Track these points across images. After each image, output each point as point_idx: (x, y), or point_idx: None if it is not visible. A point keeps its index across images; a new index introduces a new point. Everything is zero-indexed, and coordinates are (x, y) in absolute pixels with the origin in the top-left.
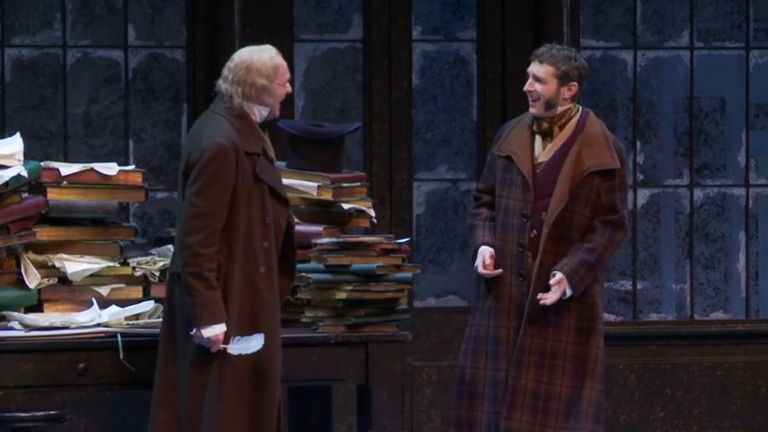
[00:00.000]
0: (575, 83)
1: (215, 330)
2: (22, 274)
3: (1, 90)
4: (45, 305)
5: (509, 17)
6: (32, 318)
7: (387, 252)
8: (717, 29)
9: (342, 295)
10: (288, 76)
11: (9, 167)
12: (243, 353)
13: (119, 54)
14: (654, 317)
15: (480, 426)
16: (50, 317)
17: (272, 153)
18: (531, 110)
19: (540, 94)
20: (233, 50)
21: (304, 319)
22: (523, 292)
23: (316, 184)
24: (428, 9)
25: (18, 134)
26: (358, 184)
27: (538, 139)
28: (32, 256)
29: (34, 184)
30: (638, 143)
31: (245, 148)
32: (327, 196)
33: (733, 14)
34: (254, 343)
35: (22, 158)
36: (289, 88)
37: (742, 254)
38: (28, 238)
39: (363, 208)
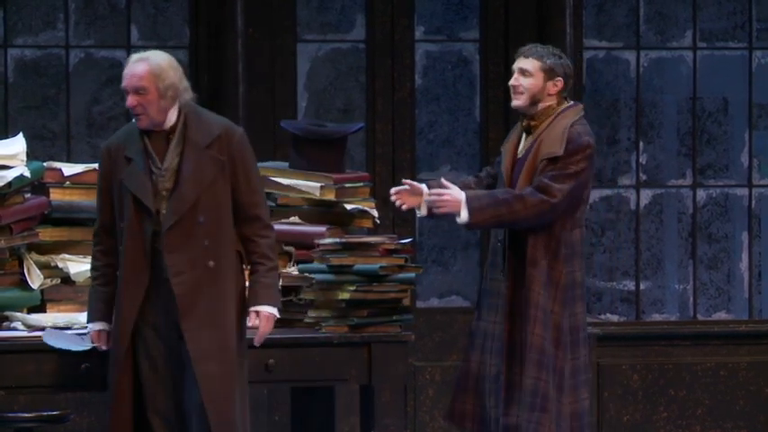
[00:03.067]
0: (560, 78)
1: (89, 327)
2: (24, 275)
3: (4, 90)
4: (48, 305)
5: (512, 17)
6: (35, 318)
7: (390, 252)
8: (720, 29)
9: (345, 296)
10: (124, 83)
11: (12, 168)
12: (56, 346)
13: (121, 54)
14: (657, 317)
15: (474, 418)
16: (53, 317)
17: (166, 162)
18: (514, 102)
19: (526, 87)
20: (236, 51)
21: (307, 320)
22: (501, 286)
23: (318, 185)
24: (431, 9)
25: (21, 134)
26: (361, 184)
27: (523, 137)
28: (35, 256)
29: (37, 185)
30: (641, 143)
31: (124, 152)
32: (330, 196)
33: (736, 15)
34: (72, 342)
35: (24, 159)
36: (128, 99)
37: (745, 254)
38: (31, 239)
39: (366, 208)
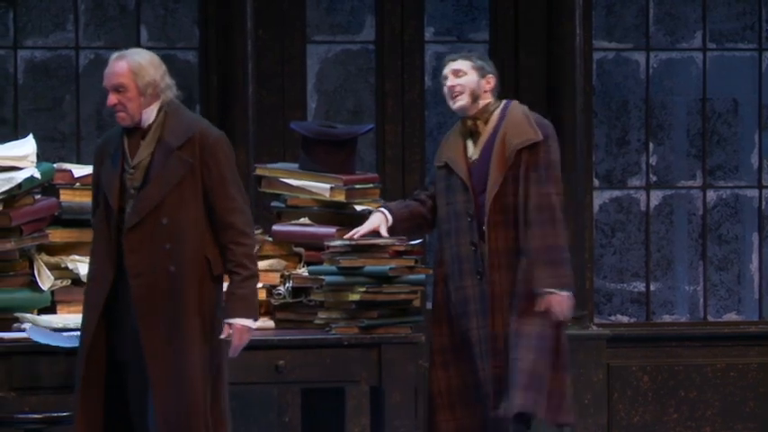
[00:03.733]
0: (491, 75)
1: None
2: (35, 276)
3: (14, 91)
4: (58, 307)
5: (521, 18)
6: (46, 319)
7: (399, 254)
8: (729, 30)
9: (355, 297)
10: (105, 81)
11: (22, 169)
12: (42, 341)
13: None
14: (667, 318)
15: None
16: (63, 318)
17: (135, 160)
18: (457, 104)
19: (464, 85)
20: (245, 52)
21: (317, 321)
22: (484, 291)
23: (328, 186)
24: (441, 10)
25: (31, 136)
26: (371, 185)
27: (468, 141)
28: (45, 257)
29: (47, 186)
30: (651, 144)
31: (108, 150)
32: (340, 198)
33: (745, 15)
34: (59, 339)
35: (34, 160)
36: (108, 97)
37: (755, 255)
38: (41, 240)
39: (376, 209)
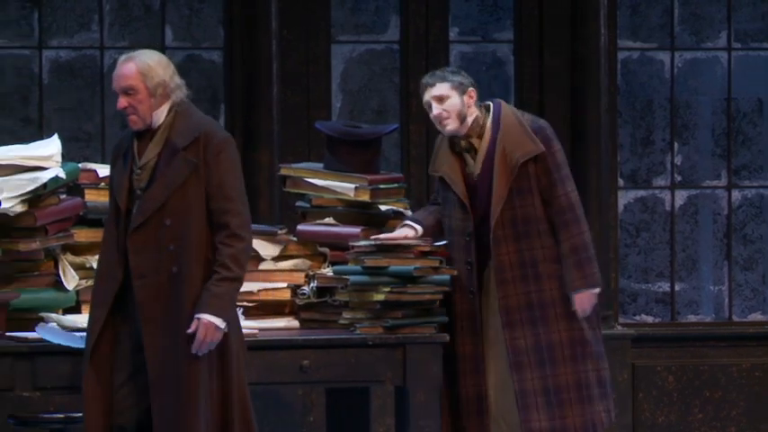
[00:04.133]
0: (471, 88)
1: None
2: (59, 276)
3: (39, 91)
4: (83, 306)
5: (546, 18)
6: (70, 319)
7: (424, 254)
8: (754, 30)
9: (379, 297)
10: (113, 84)
11: (47, 169)
12: (53, 340)
13: None
14: (692, 318)
15: None
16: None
17: (142, 160)
18: (447, 129)
19: (450, 111)
20: (270, 52)
21: (342, 321)
22: (475, 308)
23: (353, 186)
24: (465, 10)
25: (56, 136)
26: (395, 185)
27: (467, 156)
28: (70, 257)
29: (72, 186)
30: (676, 144)
31: (121, 151)
32: (365, 198)
33: None
34: (70, 338)
35: (59, 160)
36: (118, 100)
37: None
38: (66, 240)
39: (401, 209)
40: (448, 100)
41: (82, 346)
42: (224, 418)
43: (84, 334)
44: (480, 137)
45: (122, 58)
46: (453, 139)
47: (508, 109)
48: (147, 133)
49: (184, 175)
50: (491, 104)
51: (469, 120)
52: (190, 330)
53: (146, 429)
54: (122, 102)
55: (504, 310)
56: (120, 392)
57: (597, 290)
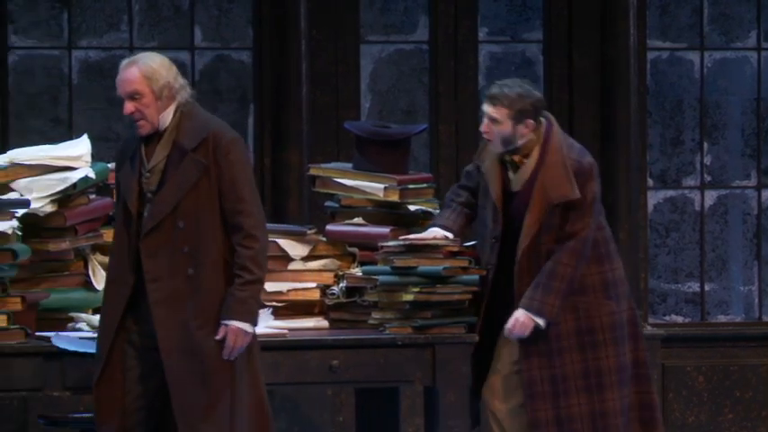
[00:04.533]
0: (530, 120)
1: None
2: (89, 276)
3: (68, 91)
4: None
5: (575, 18)
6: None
7: (453, 254)
8: None
9: (409, 297)
10: (118, 89)
11: (77, 169)
12: (66, 348)
13: (185, 56)
14: (722, 318)
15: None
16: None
17: (151, 163)
18: (489, 145)
19: (496, 134)
20: (299, 52)
21: (371, 321)
22: (481, 310)
23: (382, 186)
24: (494, 10)
25: (85, 136)
26: (424, 185)
27: (509, 169)
28: (100, 257)
29: (101, 186)
30: (705, 144)
31: (127, 153)
32: (394, 198)
33: None
34: (82, 344)
35: (89, 160)
36: (125, 106)
37: None
38: (95, 240)
39: (430, 209)
40: (499, 125)
41: (89, 350)
42: (255, 420)
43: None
44: (526, 157)
45: (124, 62)
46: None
47: (557, 138)
48: (154, 136)
49: (195, 176)
50: (547, 128)
51: (519, 142)
52: (218, 337)
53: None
54: (129, 107)
55: (521, 342)
56: (132, 394)
57: (540, 320)
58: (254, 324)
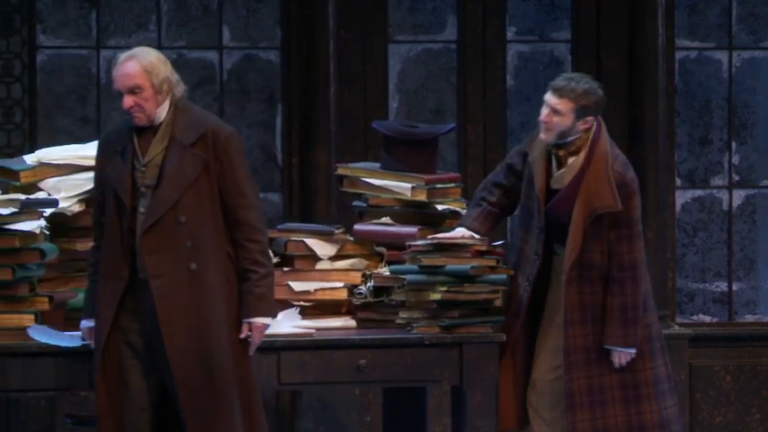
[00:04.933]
0: (590, 117)
1: (82, 324)
2: None
3: (96, 91)
4: None
5: (604, 18)
6: None
7: (481, 253)
8: None
9: (436, 296)
10: (117, 84)
11: None
12: (43, 341)
13: (213, 55)
14: (749, 318)
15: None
16: None
17: (147, 157)
18: (542, 136)
19: (555, 125)
20: (328, 52)
21: (398, 321)
22: (525, 297)
23: (410, 185)
24: (522, 10)
25: None
26: (452, 185)
27: (554, 163)
28: None
29: None
30: (734, 144)
31: (114, 146)
32: (422, 197)
33: None
34: (61, 338)
35: None
36: (123, 102)
37: None
38: None
39: (458, 209)
40: (560, 117)
41: (74, 344)
42: (248, 415)
43: (77, 333)
44: (573, 155)
45: (122, 57)
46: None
47: (605, 144)
48: (147, 130)
49: (196, 171)
50: (596, 130)
51: (569, 138)
52: (242, 335)
53: (160, 429)
54: (129, 101)
55: (566, 351)
56: (133, 392)
57: (633, 351)
58: (274, 317)
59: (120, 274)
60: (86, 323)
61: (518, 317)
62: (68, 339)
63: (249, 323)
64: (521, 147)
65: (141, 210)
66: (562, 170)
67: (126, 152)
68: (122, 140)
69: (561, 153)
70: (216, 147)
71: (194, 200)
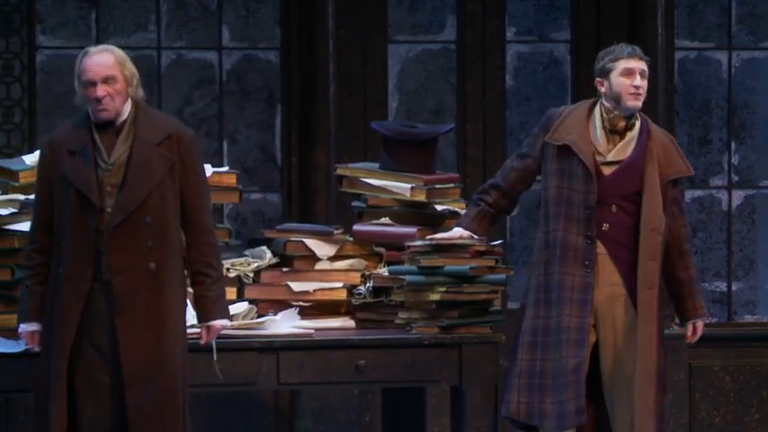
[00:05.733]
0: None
1: (21, 328)
2: None
3: None
4: None
5: (603, 18)
6: None
7: (480, 254)
8: None
9: (435, 297)
10: (90, 74)
11: None
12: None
13: (213, 56)
14: (749, 318)
15: (550, 416)
16: None
17: (113, 156)
18: (636, 105)
19: (644, 89)
20: (327, 52)
21: (398, 321)
22: (589, 283)
23: (409, 186)
24: (522, 10)
25: None
26: (451, 185)
27: (600, 133)
28: None
29: None
30: (733, 144)
31: (68, 146)
32: (421, 197)
33: None
34: (3, 344)
35: None
36: (92, 92)
37: None
38: None
39: (457, 209)
40: (645, 80)
41: (15, 350)
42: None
43: (20, 341)
44: (630, 130)
45: (93, 49)
46: (611, 115)
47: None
48: (108, 128)
49: (163, 172)
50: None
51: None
52: (202, 341)
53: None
54: (102, 90)
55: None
56: (84, 391)
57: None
58: (230, 318)
59: (84, 274)
60: (28, 327)
61: (585, 303)
62: (12, 345)
63: (208, 326)
64: (530, 150)
65: (108, 209)
66: (624, 140)
67: (86, 151)
68: (79, 140)
69: (627, 125)
70: (180, 149)
71: (159, 200)
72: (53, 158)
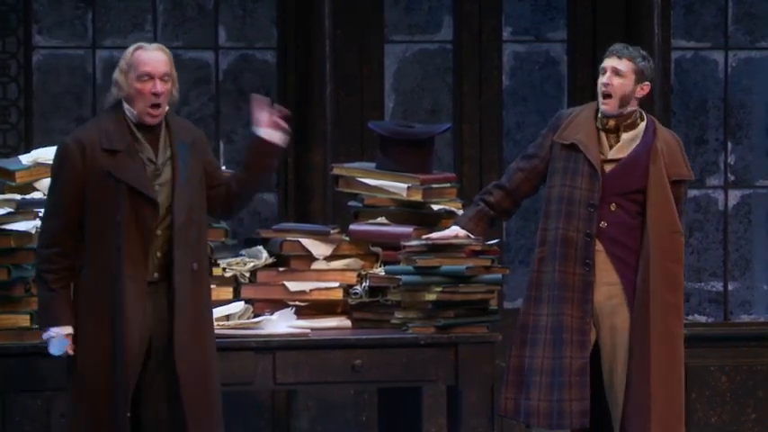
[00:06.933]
0: (647, 83)
1: (50, 333)
2: None
3: (92, 91)
4: None
5: (600, 18)
6: None
7: (476, 253)
8: None
9: (431, 297)
10: (149, 68)
11: None
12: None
13: (209, 55)
14: (745, 318)
15: (538, 414)
16: None
17: (149, 153)
18: (604, 107)
19: (617, 88)
20: (324, 52)
21: (394, 321)
22: (588, 282)
23: (405, 185)
24: (518, 10)
25: None
26: (448, 185)
27: (602, 134)
28: None
29: None
30: (729, 144)
31: (102, 145)
32: (417, 197)
33: None
34: (56, 346)
35: None
36: (150, 87)
37: None
38: None
39: (453, 209)
40: (623, 79)
41: (59, 352)
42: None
43: (57, 342)
44: (627, 130)
45: (147, 45)
46: (603, 116)
47: (656, 120)
48: (147, 129)
49: (200, 172)
50: (644, 113)
51: (628, 109)
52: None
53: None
54: (161, 86)
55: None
56: (147, 392)
57: None
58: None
59: (143, 274)
60: (62, 330)
61: (586, 302)
62: (57, 347)
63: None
64: (537, 149)
65: (175, 207)
66: (626, 136)
67: (130, 151)
68: (119, 139)
69: (619, 126)
70: (203, 150)
71: (200, 200)
72: (86, 158)
